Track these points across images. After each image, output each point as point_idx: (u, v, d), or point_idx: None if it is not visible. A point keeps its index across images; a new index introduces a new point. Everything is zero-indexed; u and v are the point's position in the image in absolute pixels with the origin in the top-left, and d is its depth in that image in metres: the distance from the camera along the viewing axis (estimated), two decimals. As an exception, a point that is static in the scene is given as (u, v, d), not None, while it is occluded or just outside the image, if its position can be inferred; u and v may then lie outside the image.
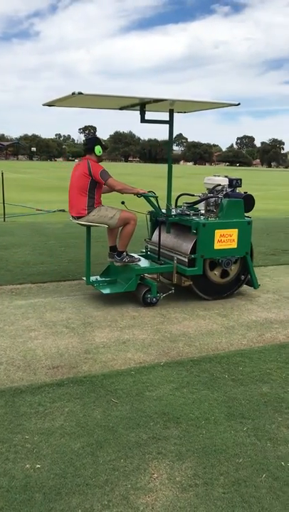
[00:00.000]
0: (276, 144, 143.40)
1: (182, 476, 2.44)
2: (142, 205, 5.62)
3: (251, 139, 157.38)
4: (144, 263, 5.51)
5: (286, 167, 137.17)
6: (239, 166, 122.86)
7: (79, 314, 4.86)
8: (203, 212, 5.55)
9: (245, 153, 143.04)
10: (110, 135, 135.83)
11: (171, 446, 2.68)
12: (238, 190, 5.79)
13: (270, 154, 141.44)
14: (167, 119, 5.43)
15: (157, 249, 5.53)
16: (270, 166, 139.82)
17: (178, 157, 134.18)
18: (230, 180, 5.69)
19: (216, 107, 6.03)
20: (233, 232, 5.34)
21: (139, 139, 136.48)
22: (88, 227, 5.24)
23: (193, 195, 5.94)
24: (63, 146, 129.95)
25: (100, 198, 5.20)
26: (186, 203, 5.85)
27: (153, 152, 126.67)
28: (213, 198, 5.60)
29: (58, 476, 2.41)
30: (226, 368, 3.73)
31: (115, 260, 5.29)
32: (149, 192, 5.34)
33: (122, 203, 5.46)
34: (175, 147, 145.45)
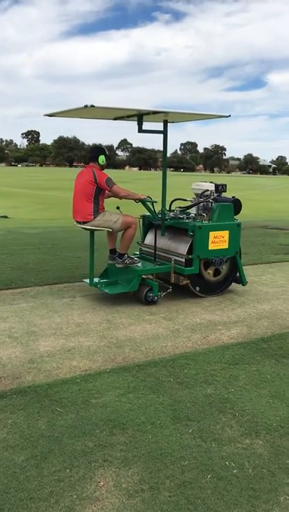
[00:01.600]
0: (218, 150, 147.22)
1: (128, 482, 2.43)
2: (135, 209, 5.83)
3: (194, 144, 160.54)
4: (143, 264, 5.81)
5: (228, 172, 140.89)
6: (183, 171, 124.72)
7: (22, 323, 4.75)
8: (193, 215, 5.94)
9: (189, 158, 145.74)
10: (54, 140, 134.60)
11: (117, 453, 2.67)
12: (223, 194, 6.20)
13: (212, 160, 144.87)
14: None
15: (151, 251, 5.95)
16: (212, 171, 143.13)
17: (123, 162, 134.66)
18: (217, 186, 6.09)
19: (207, 118, 6.49)
20: (225, 234, 5.75)
21: (83, 144, 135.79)
22: (92, 232, 5.51)
23: (186, 200, 6.34)
24: (6, 151, 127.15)
25: (104, 203, 5.47)
26: (180, 208, 6.20)
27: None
28: (198, 202, 6.01)
29: (0, 491, 2.33)
30: (172, 371, 3.76)
31: (117, 262, 5.58)
32: (147, 197, 5.64)
33: (117, 207, 5.66)
34: (120, 152, 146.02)
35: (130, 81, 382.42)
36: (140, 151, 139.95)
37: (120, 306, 5.41)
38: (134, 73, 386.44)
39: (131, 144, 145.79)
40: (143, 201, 5.60)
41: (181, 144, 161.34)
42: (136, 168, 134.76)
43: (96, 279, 5.76)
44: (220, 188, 6.09)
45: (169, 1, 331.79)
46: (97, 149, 5.50)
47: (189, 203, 6.22)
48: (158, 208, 5.82)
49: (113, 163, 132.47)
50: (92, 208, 5.32)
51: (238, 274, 6.08)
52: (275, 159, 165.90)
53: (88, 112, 5.22)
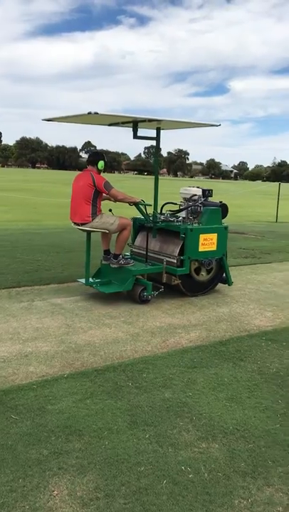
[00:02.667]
0: (181, 155, 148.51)
1: (83, 490, 2.38)
2: (124, 212, 6.03)
3: (159, 149, 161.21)
4: (137, 265, 5.96)
5: (191, 177, 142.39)
6: (147, 174, 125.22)
7: (-22, 328, 4.63)
8: (182, 218, 6.19)
9: (153, 162, 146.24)
10: (16, 141, 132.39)
11: (72, 460, 2.62)
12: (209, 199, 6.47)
13: (176, 164, 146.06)
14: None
15: (141, 252, 6.21)
16: (176, 175, 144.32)
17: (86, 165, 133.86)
18: (203, 191, 6.36)
19: (199, 127, 6.66)
20: (214, 237, 6.08)
21: (46, 145, 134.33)
22: (89, 233, 5.72)
23: (176, 204, 6.67)
24: None
25: (101, 206, 5.69)
26: (171, 211, 6.49)
27: (61, 159, 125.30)
28: (188, 206, 6.29)
29: None
30: (130, 375, 3.74)
31: (112, 262, 5.81)
32: (141, 201, 5.90)
33: (110, 210, 5.90)
34: (83, 155, 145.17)
35: (95, 83, 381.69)
36: (104, 153, 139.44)
37: (80, 310, 5.35)
38: (98, 75, 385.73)
39: (95, 147, 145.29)
40: (137, 204, 5.81)
41: (145, 148, 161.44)
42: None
43: (90, 279, 5.93)
44: (206, 193, 6.36)
45: (134, 5, 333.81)
46: (98, 155, 5.79)
47: (178, 207, 6.52)
48: (149, 211, 6.06)
49: (77, 165, 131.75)
50: (91, 210, 5.53)
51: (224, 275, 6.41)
52: (236, 164, 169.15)
53: (86, 118, 5.45)
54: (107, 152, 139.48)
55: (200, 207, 6.21)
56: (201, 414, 3.20)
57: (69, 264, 7.75)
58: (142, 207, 5.91)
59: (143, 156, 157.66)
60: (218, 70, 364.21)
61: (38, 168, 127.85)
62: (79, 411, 3.16)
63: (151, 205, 6.05)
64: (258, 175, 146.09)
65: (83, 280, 5.94)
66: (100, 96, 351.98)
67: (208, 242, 6.00)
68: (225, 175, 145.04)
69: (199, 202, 6.28)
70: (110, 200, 5.83)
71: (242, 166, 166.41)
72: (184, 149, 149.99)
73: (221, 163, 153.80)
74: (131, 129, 6.14)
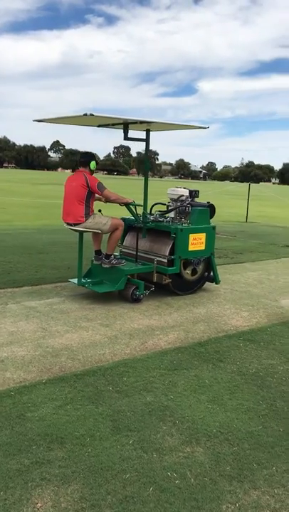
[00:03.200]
0: (151, 155, 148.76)
1: (68, 501, 2.31)
2: (113, 212, 6.09)
3: (127, 148, 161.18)
4: (128, 264, 6.01)
5: (161, 177, 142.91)
6: (117, 174, 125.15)
7: None
8: (170, 219, 6.29)
9: (122, 162, 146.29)
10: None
11: (55, 470, 2.54)
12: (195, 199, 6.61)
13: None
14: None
15: (131, 252, 6.32)
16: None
17: (55, 164, 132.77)
18: (190, 192, 6.49)
19: (188, 129, 6.74)
20: (202, 236, 6.21)
21: (14, 144, 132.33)
22: (81, 233, 5.76)
23: (164, 204, 6.77)
24: None
25: (93, 206, 5.74)
26: (160, 211, 6.55)
27: (29, 158, 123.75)
28: (178, 206, 6.40)
29: None
30: (110, 379, 3.68)
31: (104, 262, 5.87)
32: (133, 201, 5.95)
33: (99, 210, 5.88)
34: (52, 154, 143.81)
35: (62, 82, 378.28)
36: (73, 153, 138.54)
37: (55, 312, 5.25)
38: (66, 75, 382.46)
39: (64, 146, 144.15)
40: (128, 205, 5.86)
41: (115, 148, 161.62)
42: (69, 170, 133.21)
43: (82, 279, 5.98)
44: (193, 194, 6.51)
45: (102, 4, 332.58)
46: (89, 155, 5.81)
47: (166, 207, 6.63)
48: (138, 211, 6.14)
49: (45, 164, 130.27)
50: (84, 211, 5.57)
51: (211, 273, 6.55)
52: (205, 165, 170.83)
53: (78, 119, 5.60)
54: (76, 152, 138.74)
55: (188, 207, 6.34)
56: (183, 417, 3.17)
57: (42, 265, 7.61)
58: (132, 207, 5.96)
59: (112, 155, 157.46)
60: (186, 70, 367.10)
61: (6, 167, 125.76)
62: (60, 418, 3.08)
63: (142, 206, 6.15)
64: (227, 175, 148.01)
65: (75, 280, 6.00)
66: (67, 95, 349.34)
67: (197, 242, 6.13)
68: (194, 175, 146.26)
69: (187, 202, 6.40)
70: (101, 200, 5.90)
71: (210, 167, 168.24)
72: (154, 149, 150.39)
73: (190, 164, 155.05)
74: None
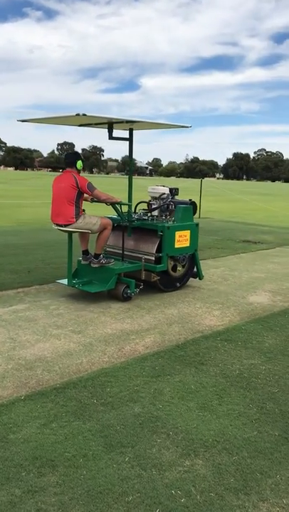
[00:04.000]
0: (96, 151, 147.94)
1: (71, 533, 2.12)
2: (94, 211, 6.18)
3: (72, 145, 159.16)
4: (117, 263, 6.02)
5: (107, 173, 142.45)
6: (62, 171, 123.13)
7: None
8: (154, 217, 6.36)
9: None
10: None
11: (51, 498, 2.34)
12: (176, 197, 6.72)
13: (91, 161, 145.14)
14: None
15: (115, 251, 6.36)
16: (91, 172, 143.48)
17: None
18: (170, 190, 6.58)
19: (170, 128, 6.94)
20: (187, 233, 6.30)
21: None
22: (70, 234, 5.78)
23: (146, 202, 6.79)
24: None
25: (82, 206, 5.72)
26: (144, 210, 6.61)
27: None
28: (162, 204, 6.45)
29: None
30: (93, 391, 3.49)
31: (93, 262, 5.84)
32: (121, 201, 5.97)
33: (83, 210, 5.82)
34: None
35: (2, 78, 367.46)
36: (16, 150, 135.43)
37: (22, 321, 4.98)
38: (5, 70, 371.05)
39: (5, 143, 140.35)
40: (114, 204, 5.86)
41: (58, 144, 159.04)
42: (11, 168, 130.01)
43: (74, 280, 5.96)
44: (173, 192, 6.60)
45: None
46: (74, 155, 5.80)
47: (147, 205, 6.68)
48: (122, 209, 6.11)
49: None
50: (74, 211, 5.55)
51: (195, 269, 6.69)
52: (150, 161, 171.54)
53: (64, 119, 5.66)
54: (19, 149, 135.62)
55: (171, 205, 6.44)
56: (176, 427, 3.03)
57: (0, 270, 7.26)
58: (117, 206, 5.94)
59: (56, 152, 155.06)
60: (128, 66, 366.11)
61: None
62: (46, 438, 2.86)
63: (131, 204, 6.22)
64: (172, 171, 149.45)
65: (64, 281, 6.00)
66: (8, 91, 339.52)
67: (182, 239, 6.23)
68: (140, 171, 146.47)
69: (168, 200, 6.47)
70: (86, 200, 5.89)
71: (156, 163, 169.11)
72: (99, 146, 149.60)
73: (136, 160, 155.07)
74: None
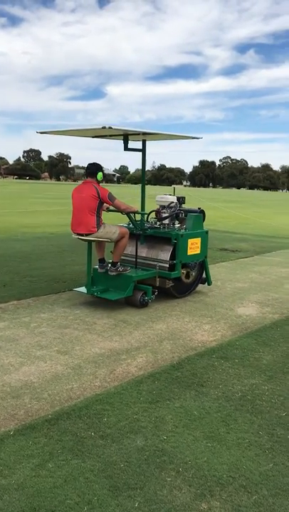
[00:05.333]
0: (63, 158, 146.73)
1: None
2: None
3: (38, 152, 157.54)
4: (132, 271, 6.09)
5: (74, 180, 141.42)
6: (28, 179, 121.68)
7: None
8: (163, 225, 6.41)
9: (33, 166, 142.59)
10: None
11: None
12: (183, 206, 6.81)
13: (58, 168, 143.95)
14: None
15: (128, 259, 6.41)
16: (58, 179, 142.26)
17: None
18: (178, 198, 6.63)
19: (181, 139, 7.16)
20: (198, 241, 6.46)
21: None
22: (90, 243, 5.88)
23: (156, 211, 6.71)
24: None
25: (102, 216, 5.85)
26: (154, 218, 6.62)
27: None
28: (174, 213, 6.49)
29: None
30: (89, 422, 3.17)
31: (110, 270, 5.95)
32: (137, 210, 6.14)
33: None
34: None
35: None
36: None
37: (2, 341, 4.61)
38: None
39: None
40: (130, 213, 6.01)
41: (24, 152, 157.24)
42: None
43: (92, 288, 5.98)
44: (180, 200, 6.67)
45: (4, 4, 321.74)
46: (96, 166, 5.87)
47: (155, 214, 6.68)
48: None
49: None
50: (96, 221, 5.65)
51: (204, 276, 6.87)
52: (118, 168, 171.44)
53: (76, 131, 6.05)
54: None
55: (182, 213, 6.55)
56: (185, 462, 2.76)
57: (-26, 284, 6.83)
58: (131, 215, 6.09)
59: (22, 160, 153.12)
60: (93, 74, 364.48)
61: None
62: (43, 482, 2.54)
63: (146, 213, 6.45)
64: (140, 178, 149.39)
65: (82, 289, 6.06)
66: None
67: (194, 246, 6.38)
68: (108, 178, 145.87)
69: (178, 208, 6.54)
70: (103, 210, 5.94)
71: (123, 170, 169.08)
72: (66, 153, 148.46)
73: (103, 167, 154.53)
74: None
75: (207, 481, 2.60)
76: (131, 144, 6.44)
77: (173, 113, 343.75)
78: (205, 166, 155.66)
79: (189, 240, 6.29)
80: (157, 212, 6.57)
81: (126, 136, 6.25)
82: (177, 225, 6.53)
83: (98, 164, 5.98)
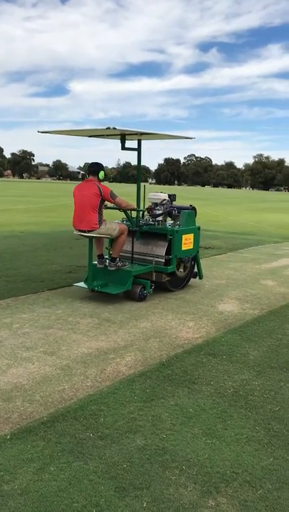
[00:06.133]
0: (26, 156, 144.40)
1: None
2: None
3: (0, 149, 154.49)
4: (131, 266, 6.33)
5: (38, 178, 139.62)
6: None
7: None
8: (157, 222, 6.64)
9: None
10: None
11: None
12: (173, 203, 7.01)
13: (21, 165, 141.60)
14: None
15: (123, 254, 6.52)
16: (21, 176, 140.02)
17: None
18: (169, 196, 6.86)
19: (174, 139, 7.57)
20: (191, 236, 6.72)
21: None
22: (91, 239, 6.07)
23: (149, 208, 6.94)
24: None
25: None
26: (148, 215, 6.82)
27: None
28: (167, 210, 6.74)
29: None
30: (86, 423, 3.13)
31: (110, 265, 6.16)
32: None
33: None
34: None
35: None
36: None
37: (-14, 342, 4.49)
38: None
39: None
40: (127, 210, 6.25)
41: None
42: None
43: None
44: (172, 198, 6.90)
45: None
46: (98, 165, 6.07)
47: (147, 211, 6.90)
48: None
49: None
50: (98, 218, 5.84)
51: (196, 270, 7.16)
52: (82, 166, 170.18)
53: (74, 131, 6.48)
54: None
55: (174, 210, 6.74)
56: (187, 460, 2.76)
57: None
58: (128, 212, 6.33)
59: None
60: (56, 70, 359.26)
61: None
62: (47, 485, 2.48)
63: (143, 210, 6.70)
64: (105, 176, 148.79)
65: (81, 284, 6.24)
66: None
67: (187, 242, 6.63)
68: (73, 176, 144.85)
69: (170, 205, 6.76)
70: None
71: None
72: (29, 150, 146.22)
73: (67, 165, 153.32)
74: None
75: (211, 478, 2.61)
76: (127, 144, 6.71)
77: (137, 110, 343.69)
78: (170, 163, 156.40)
79: (183, 235, 6.52)
80: (151, 209, 6.72)
81: (123, 136, 6.50)
82: (170, 222, 6.83)
83: (100, 164, 6.14)
